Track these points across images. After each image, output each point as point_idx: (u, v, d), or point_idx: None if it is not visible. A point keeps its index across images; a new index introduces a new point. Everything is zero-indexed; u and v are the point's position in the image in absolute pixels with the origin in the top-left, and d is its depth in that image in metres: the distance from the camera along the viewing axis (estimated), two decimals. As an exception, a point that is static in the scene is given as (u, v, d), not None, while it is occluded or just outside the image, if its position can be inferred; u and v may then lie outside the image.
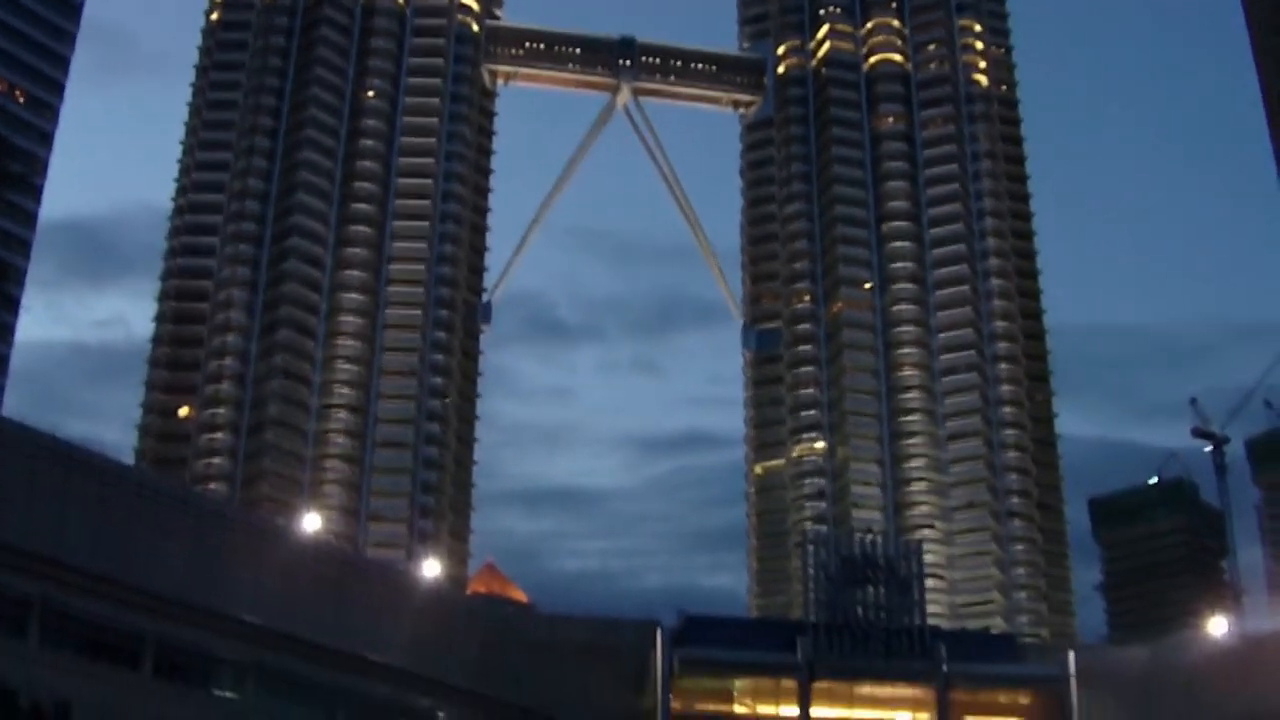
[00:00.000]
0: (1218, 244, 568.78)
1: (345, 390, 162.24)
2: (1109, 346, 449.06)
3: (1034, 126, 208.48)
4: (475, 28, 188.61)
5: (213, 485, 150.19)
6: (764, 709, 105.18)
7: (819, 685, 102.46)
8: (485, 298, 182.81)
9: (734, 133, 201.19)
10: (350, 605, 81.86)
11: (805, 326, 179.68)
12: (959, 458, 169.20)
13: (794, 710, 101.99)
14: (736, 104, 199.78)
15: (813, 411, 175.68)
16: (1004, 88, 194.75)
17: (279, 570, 77.19)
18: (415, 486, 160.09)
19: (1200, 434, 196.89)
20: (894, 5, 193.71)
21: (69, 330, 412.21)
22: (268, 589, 75.71)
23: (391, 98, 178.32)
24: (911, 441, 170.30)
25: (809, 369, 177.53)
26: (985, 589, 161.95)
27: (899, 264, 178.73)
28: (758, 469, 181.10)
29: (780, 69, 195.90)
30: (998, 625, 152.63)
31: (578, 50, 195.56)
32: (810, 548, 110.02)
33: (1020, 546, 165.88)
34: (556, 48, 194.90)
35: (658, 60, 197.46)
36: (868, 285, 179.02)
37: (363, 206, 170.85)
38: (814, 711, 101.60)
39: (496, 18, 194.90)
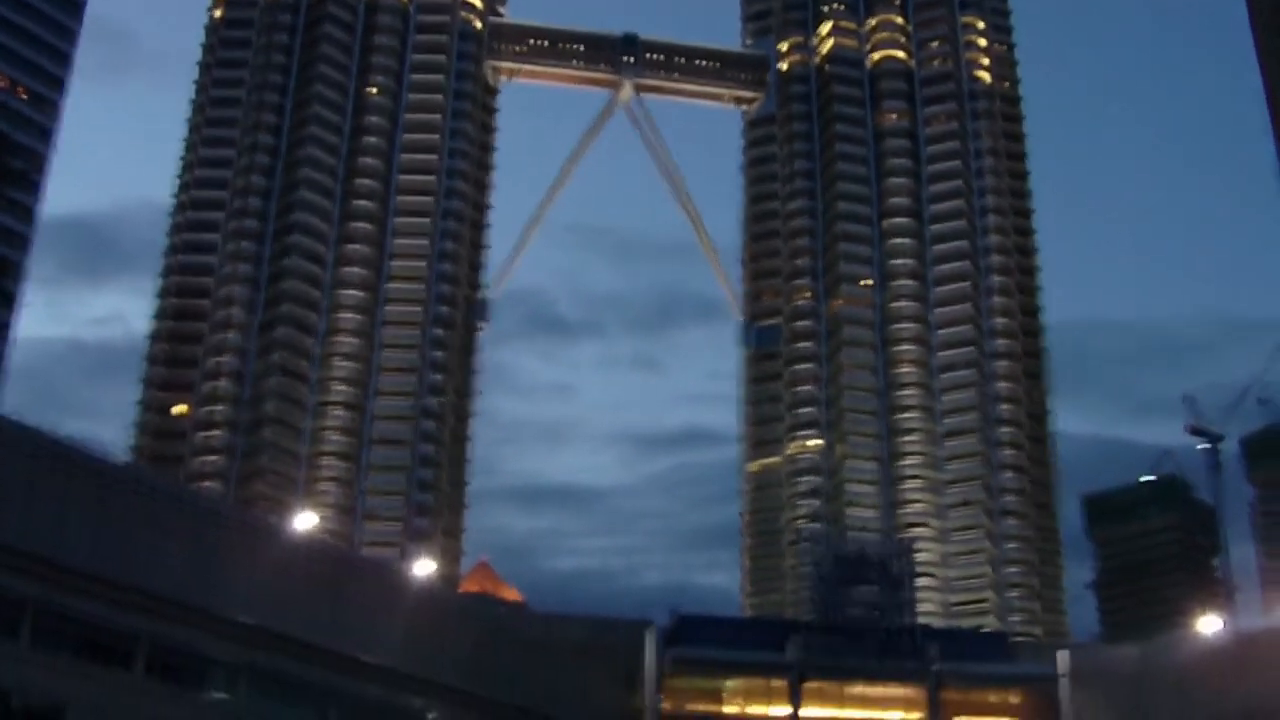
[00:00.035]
0: (1215, 241, 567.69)
1: (343, 387, 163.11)
2: (1105, 343, 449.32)
3: (1035, 124, 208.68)
4: (478, 25, 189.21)
5: (209, 483, 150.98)
6: (754, 709, 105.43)
7: (810, 685, 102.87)
8: (485, 294, 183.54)
9: (736, 129, 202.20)
10: (344, 604, 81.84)
11: (805, 323, 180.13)
12: (955, 455, 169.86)
13: (785, 710, 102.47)
14: (739, 101, 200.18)
15: (810, 409, 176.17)
16: (1006, 85, 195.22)
17: (273, 569, 77.19)
18: (411, 484, 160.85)
19: (1194, 431, 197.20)
20: (897, 2, 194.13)
21: (68, 327, 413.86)
22: (262, 588, 75.78)
23: (394, 94, 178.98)
24: (908, 439, 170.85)
25: (807, 366, 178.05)
26: (978, 587, 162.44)
27: (900, 261, 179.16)
28: (753, 466, 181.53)
29: (783, 66, 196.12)
30: (990, 624, 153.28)
31: (580, 47, 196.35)
32: (804, 546, 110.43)
33: (1014, 545, 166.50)
34: (559, 44, 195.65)
35: (660, 57, 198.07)
36: (867, 282, 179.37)
37: (364, 203, 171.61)
38: (804, 712, 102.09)
39: (499, 15, 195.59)
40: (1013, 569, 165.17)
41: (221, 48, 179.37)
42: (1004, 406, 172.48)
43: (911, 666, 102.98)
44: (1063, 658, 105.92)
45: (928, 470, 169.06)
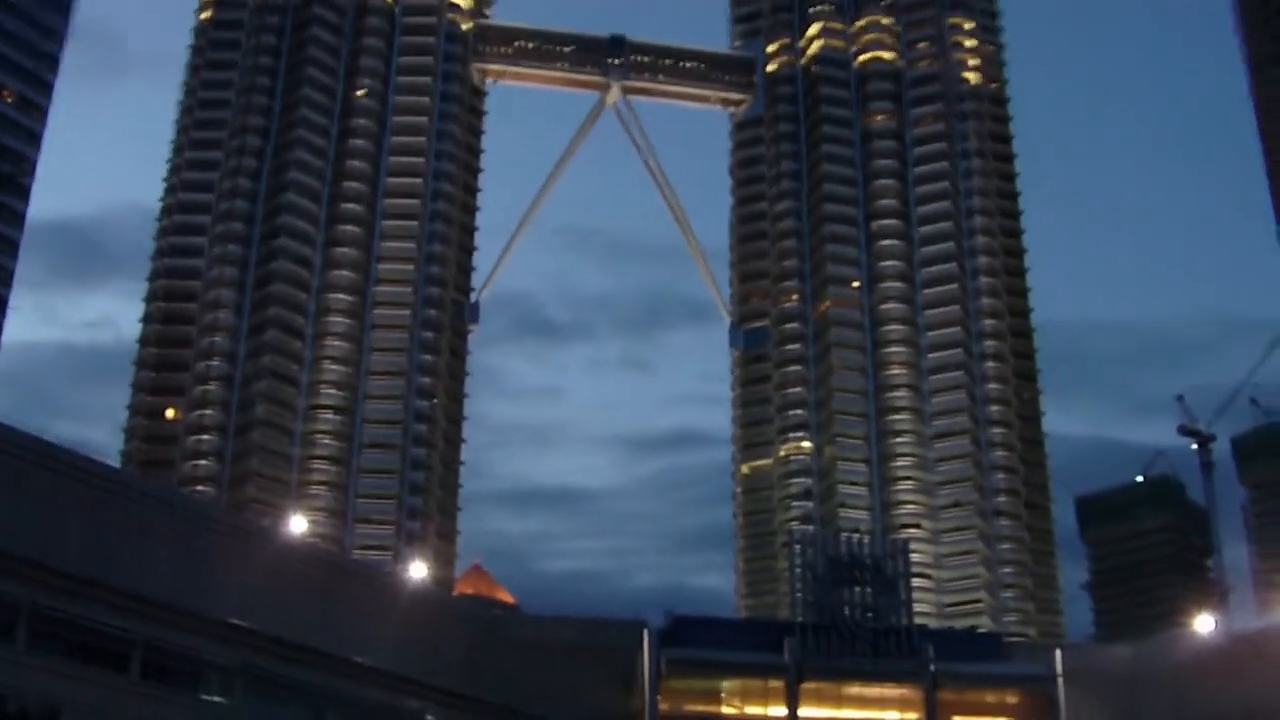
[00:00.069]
0: (1207, 241, 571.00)
1: (332, 391, 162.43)
2: (1101, 344, 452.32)
3: (1025, 124, 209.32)
4: (465, 26, 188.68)
5: (200, 487, 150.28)
6: (752, 710, 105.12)
7: (806, 686, 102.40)
8: (474, 297, 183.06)
9: (724, 131, 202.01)
10: (338, 607, 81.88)
11: (793, 325, 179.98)
12: (946, 456, 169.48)
13: (782, 711, 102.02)
14: (726, 102, 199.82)
15: (800, 411, 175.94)
16: (994, 85, 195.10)
17: (266, 573, 77.12)
18: (403, 488, 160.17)
19: (1186, 432, 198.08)
20: (885, 3, 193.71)
21: (57, 331, 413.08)
22: (255, 592, 75.71)
23: (381, 97, 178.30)
24: (899, 440, 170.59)
25: (796, 368, 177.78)
26: (972, 588, 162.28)
27: (887, 263, 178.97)
28: (744, 469, 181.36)
29: (770, 67, 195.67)
30: (985, 624, 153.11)
31: (568, 49, 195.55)
32: (797, 547, 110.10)
33: (1007, 545, 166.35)
34: (546, 46, 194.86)
35: (647, 59, 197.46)
36: (855, 284, 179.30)
37: (352, 206, 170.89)
38: (802, 712, 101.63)
39: (486, 16, 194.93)
40: (1006, 570, 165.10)
41: (209, 50, 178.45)
42: (994, 408, 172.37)
43: (908, 667, 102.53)
44: (1058, 658, 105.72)
45: (919, 472, 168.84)
